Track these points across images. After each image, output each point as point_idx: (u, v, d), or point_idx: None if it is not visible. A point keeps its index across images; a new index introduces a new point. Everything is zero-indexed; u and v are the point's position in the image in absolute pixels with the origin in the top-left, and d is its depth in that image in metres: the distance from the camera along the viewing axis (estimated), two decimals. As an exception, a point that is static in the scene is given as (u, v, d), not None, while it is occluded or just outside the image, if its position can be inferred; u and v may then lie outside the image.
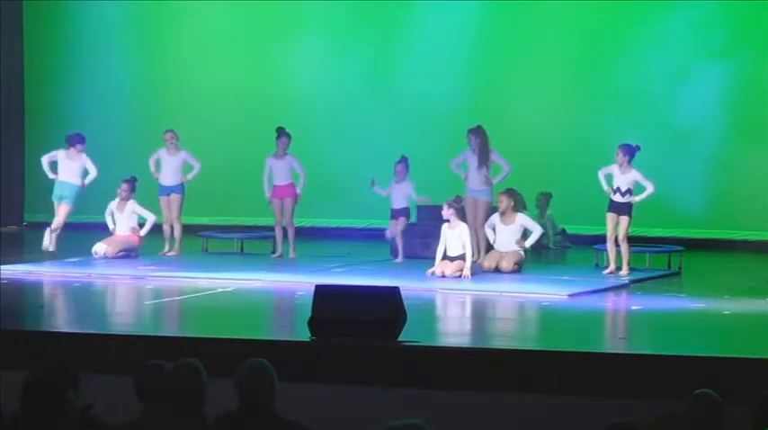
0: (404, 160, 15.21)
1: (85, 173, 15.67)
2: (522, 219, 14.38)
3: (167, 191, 15.68)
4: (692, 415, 5.35)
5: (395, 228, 14.98)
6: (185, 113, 18.84)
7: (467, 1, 18.03)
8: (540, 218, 15.90)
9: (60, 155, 15.72)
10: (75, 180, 15.62)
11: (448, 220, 13.74)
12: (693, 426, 5.32)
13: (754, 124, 17.19)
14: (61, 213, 15.49)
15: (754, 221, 17.03)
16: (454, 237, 13.67)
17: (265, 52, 18.77)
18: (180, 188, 15.69)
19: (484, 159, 14.93)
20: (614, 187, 13.89)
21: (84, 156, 15.67)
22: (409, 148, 17.85)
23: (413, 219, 15.84)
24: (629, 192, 13.86)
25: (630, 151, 13.91)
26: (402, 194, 15.13)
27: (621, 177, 13.89)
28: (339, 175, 17.77)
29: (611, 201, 13.95)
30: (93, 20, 19.33)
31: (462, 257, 13.55)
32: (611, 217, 13.91)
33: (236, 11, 18.82)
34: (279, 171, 15.35)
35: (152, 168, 15.82)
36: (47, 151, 17.06)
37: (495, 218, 14.35)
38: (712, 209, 17.16)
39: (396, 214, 15.09)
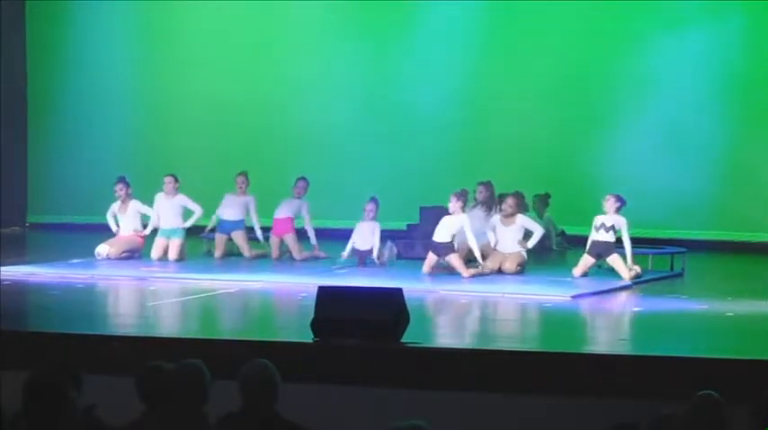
0: (374, 200, 14.93)
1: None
2: (523, 220, 14.41)
3: (166, 233, 15.32)
4: (695, 416, 5.35)
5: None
6: (187, 115, 18.87)
7: (465, 5, 18.04)
8: (539, 219, 15.88)
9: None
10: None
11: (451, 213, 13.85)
12: (696, 428, 5.32)
13: (758, 125, 17.17)
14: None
15: (757, 223, 17.01)
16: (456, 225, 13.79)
17: (266, 55, 18.76)
18: (180, 232, 15.27)
19: (490, 208, 14.77)
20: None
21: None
22: (410, 150, 17.89)
23: (415, 220, 15.82)
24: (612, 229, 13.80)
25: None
26: (368, 234, 14.78)
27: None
28: (341, 176, 17.77)
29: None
30: (96, 20, 19.33)
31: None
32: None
33: (239, 15, 18.82)
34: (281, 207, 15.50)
35: (154, 218, 15.40)
36: (49, 152, 17.10)
37: (496, 219, 14.37)
38: (715, 210, 17.13)
39: (361, 255, 14.77)
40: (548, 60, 17.70)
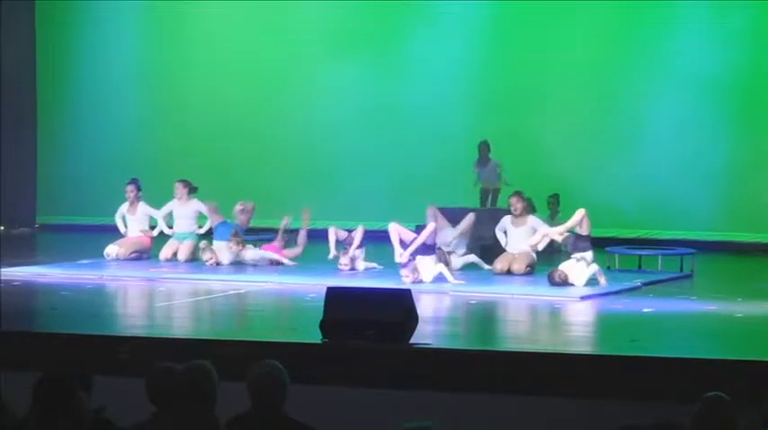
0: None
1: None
2: (533, 221, 14.41)
3: (180, 237, 15.38)
4: (704, 417, 5.34)
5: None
6: (194, 116, 18.89)
7: (467, 8, 18.04)
8: (550, 220, 15.88)
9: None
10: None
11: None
12: (704, 429, 5.32)
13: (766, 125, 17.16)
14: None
15: (767, 224, 16.98)
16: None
17: (272, 60, 18.79)
18: (193, 235, 15.39)
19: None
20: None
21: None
22: (413, 151, 17.88)
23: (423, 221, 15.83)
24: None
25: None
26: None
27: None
28: (348, 178, 17.78)
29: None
30: (106, 22, 19.37)
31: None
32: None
33: (249, 20, 18.86)
34: None
35: (162, 224, 15.50)
36: (59, 153, 17.02)
37: (507, 220, 14.36)
38: (725, 211, 17.11)
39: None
40: (551, 62, 17.70)
